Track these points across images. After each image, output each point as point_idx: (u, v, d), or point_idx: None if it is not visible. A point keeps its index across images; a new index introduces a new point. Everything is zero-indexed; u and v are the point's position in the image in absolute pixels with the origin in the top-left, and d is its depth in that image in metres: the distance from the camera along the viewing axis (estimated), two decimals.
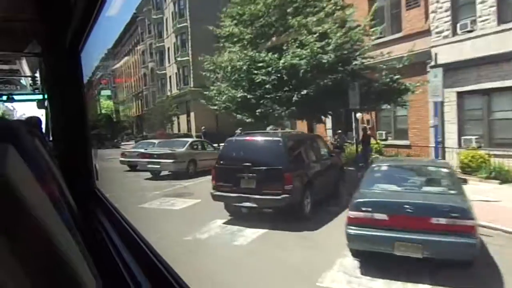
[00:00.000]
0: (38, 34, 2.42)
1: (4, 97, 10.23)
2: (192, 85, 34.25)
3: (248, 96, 11.58)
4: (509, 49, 11.21)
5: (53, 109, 2.23)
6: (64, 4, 1.75)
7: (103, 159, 20.86)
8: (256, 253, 6.14)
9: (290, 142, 7.93)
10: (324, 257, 5.88)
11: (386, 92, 11.97)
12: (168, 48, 40.04)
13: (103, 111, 48.44)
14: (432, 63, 12.82)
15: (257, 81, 11.20)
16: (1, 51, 4.42)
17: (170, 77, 40.12)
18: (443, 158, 13.71)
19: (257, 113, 11.66)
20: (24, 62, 6.96)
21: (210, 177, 13.74)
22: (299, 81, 10.89)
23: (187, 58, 35.15)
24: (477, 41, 12.39)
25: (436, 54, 12.79)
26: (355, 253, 5.56)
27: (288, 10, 11.58)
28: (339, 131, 15.88)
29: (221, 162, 8.03)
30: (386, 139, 16.29)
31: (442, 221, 4.73)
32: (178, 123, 36.97)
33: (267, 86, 11.15)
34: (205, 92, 14.60)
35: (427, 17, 14.51)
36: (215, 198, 7.90)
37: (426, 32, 14.29)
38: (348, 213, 5.32)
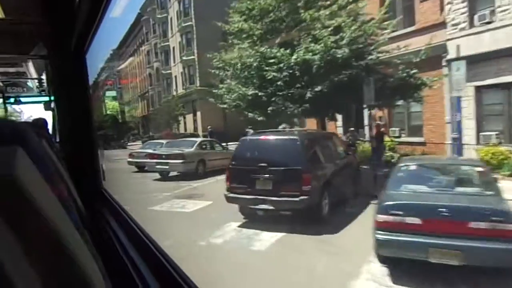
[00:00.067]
0: (44, 37, 2.41)
1: (12, 99, 10.42)
2: (198, 84, 33.97)
3: (259, 94, 11.19)
4: None
5: (60, 110, 2.24)
6: (68, 6, 1.77)
7: (110, 160, 20.65)
8: (276, 259, 5.78)
9: (308, 141, 7.55)
10: (349, 264, 5.50)
11: (402, 87, 11.51)
12: (173, 48, 39.79)
13: (108, 112, 48.49)
14: (454, 56, 12.32)
15: (268, 78, 10.81)
16: (8, 54, 4.46)
17: (175, 76, 39.89)
18: (461, 155, 13.28)
19: (269, 111, 11.27)
20: (30, 65, 6.89)
21: (220, 177, 13.74)
22: (312, 77, 10.48)
23: (193, 57, 34.88)
24: (496, 32, 11.88)
25: (458, 46, 12.28)
26: (382, 259, 5.18)
27: (299, 4, 11.16)
28: (351, 128, 15.46)
29: (235, 162, 7.68)
30: (399, 136, 15.84)
31: (482, 225, 4.33)
32: (185, 123, 36.73)
33: (278, 83, 10.75)
34: (214, 91, 14.25)
35: (442, 9, 14.01)
36: (229, 200, 7.56)
37: (442, 25, 13.80)
38: (376, 216, 4.92)
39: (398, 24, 12.14)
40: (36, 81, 9.56)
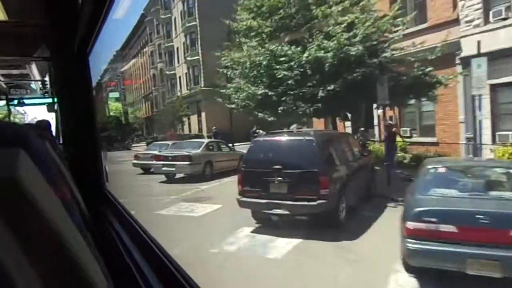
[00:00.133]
0: (47, 39, 2.44)
1: (15, 101, 10.35)
2: (202, 85, 33.71)
3: (269, 93, 10.82)
4: None
5: (63, 112, 2.24)
6: (71, 8, 1.79)
7: (114, 162, 20.36)
8: (295, 269, 5.41)
9: (324, 142, 7.17)
10: (375, 273, 5.12)
11: (417, 86, 11.12)
12: (177, 48, 39.53)
13: (112, 113, 48.36)
14: (473, 53, 11.91)
15: (279, 76, 10.44)
16: (11, 56, 4.47)
17: (180, 77, 39.64)
18: (476, 154, 12.90)
19: (279, 111, 10.90)
20: (33, 67, 6.81)
21: (227, 179, 13.43)
22: (324, 76, 10.11)
23: (197, 57, 34.62)
24: None
25: (479, 42, 11.88)
26: (410, 269, 4.81)
27: (310, 1, 10.80)
28: (362, 128, 15.08)
29: (248, 165, 7.31)
30: (410, 136, 15.45)
31: None
32: (189, 124, 36.47)
33: (289, 81, 10.38)
34: (222, 90, 13.91)
35: (455, 6, 13.62)
36: (242, 204, 7.20)
37: (455, 22, 13.40)
38: (405, 223, 4.55)
39: (411, 20, 11.73)
40: (40, 83, 9.54)
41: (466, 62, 12.81)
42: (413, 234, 4.43)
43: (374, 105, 14.40)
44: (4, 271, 0.32)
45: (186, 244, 6.30)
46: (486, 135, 12.85)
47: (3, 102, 10.52)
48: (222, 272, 5.29)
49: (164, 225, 7.80)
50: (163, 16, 41.45)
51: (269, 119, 11.97)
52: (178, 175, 14.01)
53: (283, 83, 10.58)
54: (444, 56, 11.89)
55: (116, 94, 55.91)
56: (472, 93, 11.31)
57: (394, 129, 13.78)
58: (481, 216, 4.14)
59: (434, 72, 11.49)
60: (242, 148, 18.33)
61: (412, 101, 13.32)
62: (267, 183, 6.83)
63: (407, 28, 12.67)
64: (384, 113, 12.73)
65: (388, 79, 10.64)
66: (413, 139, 15.26)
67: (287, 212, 6.68)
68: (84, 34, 1.76)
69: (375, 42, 10.42)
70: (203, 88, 32.92)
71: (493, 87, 12.58)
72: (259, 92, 11.05)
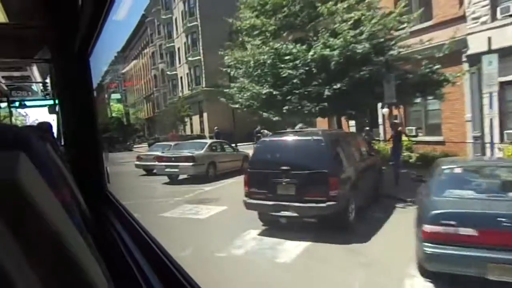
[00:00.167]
0: (48, 40, 2.42)
1: (17, 103, 10.40)
2: (204, 85, 33.56)
3: (274, 92, 10.63)
4: None
5: (64, 113, 2.25)
6: (71, 9, 1.79)
7: (116, 163, 20.22)
8: (306, 273, 5.23)
9: (333, 142, 6.97)
10: (388, 278, 4.94)
11: (424, 84, 10.91)
12: (179, 48, 39.40)
13: (113, 115, 48.32)
14: (481, 50, 11.69)
15: (283, 75, 10.25)
16: (12, 58, 4.48)
17: (181, 77, 39.50)
18: (483, 154, 12.70)
19: (284, 111, 10.71)
20: (34, 68, 6.79)
21: (231, 180, 13.27)
22: (330, 74, 9.91)
23: (199, 57, 34.47)
24: None
25: (490, 39, 11.68)
26: (426, 274, 4.62)
27: None
28: (367, 128, 14.88)
29: (254, 166, 7.13)
30: (416, 135, 15.25)
31: None
32: (191, 124, 36.32)
33: (294, 80, 10.18)
34: (225, 90, 13.72)
35: (461, 2, 13.41)
36: (248, 206, 7.01)
37: (461, 19, 13.20)
38: (423, 227, 4.35)
39: (418, 17, 11.51)
40: (41, 84, 9.51)
41: (473, 59, 12.62)
42: (430, 237, 4.24)
43: (379, 104, 14.23)
44: (4, 274, 0.32)
45: (192, 248, 6.13)
46: (494, 133, 12.67)
47: (5, 104, 10.48)
48: (232, 277, 5.11)
49: (169, 228, 7.63)
50: (164, 17, 41.32)
51: (274, 119, 11.77)
52: (181, 176, 13.85)
53: (288, 82, 10.39)
54: (450, 53, 11.69)
55: (118, 95, 55.92)
56: (483, 91, 11.09)
57: (400, 128, 13.61)
58: (504, 219, 3.95)
59: (441, 70, 11.29)
60: (244, 148, 18.19)
61: (418, 100, 13.10)
62: (275, 185, 6.65)
63: (413, 26, 12.49)
64: (391, 111, 12.55)
65: (395, 77, 10.44)
66: (419, 138, 15.06)
67: (295, 214, 6.49)
68: (84, 36, 1.76)
69: (381, 40, 10.22)
70: (205, 89, 32.78)
71: (501, 85, 12.35)
72: (264, 91, 10.85)
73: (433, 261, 4.29)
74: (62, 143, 2.29)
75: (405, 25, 10.98)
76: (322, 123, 16.61)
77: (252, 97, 11.55)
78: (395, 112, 15.45)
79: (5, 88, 8.67)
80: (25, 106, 10.69)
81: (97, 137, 2.23)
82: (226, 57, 12.31)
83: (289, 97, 10.44)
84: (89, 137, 2.14)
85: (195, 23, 34.61)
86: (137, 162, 16.13)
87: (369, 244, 6.17)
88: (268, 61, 10.63)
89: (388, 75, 10.27)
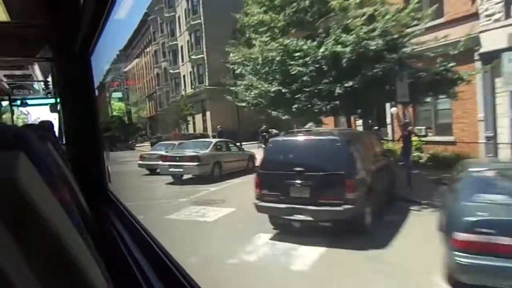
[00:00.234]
0: (49, 39, 2.44)
1: (18, 102, 10.32)
2: (207, 84, 33.24)
3: (283, 90, 10.29)
4: None
5: (65, 112, 2.26)
6: (73, 8, 1.80)
7: (118, 162, 19.93)
8: (324, 282, 4.91)
9: (349, 142, 6.63)
10: None
11: (437, 82, 10.56)
12: (182, 47, 39.08)
13: (115, 113, 48.06)
14: (501, 47, 11.34)
15: (293, 73, 9.91)
16: (14, 57, 4.49)
17: (184, 76, 39.18)
18: (496, 154, 12.38)
19: (293, 109, 10.37)
20: (36, 67, 6.69)
21: (237, 180, 12.95)
22: (341, 72, 9.57)
23: (202, 55, 34.15)
24: None
25: (510, 35, 11.36)
26: (457, 285, 4.29)
27: None
28: (375, 127, 14.54)
29: (266, 167, 6.79)
30: (425, 135, 14.89)
31: None
32: (194, 123, 36.01)
33: (304, 78, 9.84)
34: (231, 88, 13.38)
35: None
36: (260, 209, 6.69)
37: (473, 16, 12.85)
38: (454, 235, 4.03)
39: (432, 14, 11.15)
40: (42, 83, 9.36)
41: (486, 58, 12.29)
42: (464, 247, 3.91)
43: (388, 104, 13.89)
44: (4, 276, 0.32)
45: (201, 253, 5.80)
46: (505, 134, 12.36)
47: (6, 103, 10.34)
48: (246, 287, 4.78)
49: (176, 231, 7.31)
50: (167, 15, 41.02)
51: (283, 117, 11.44)
52: (185, 176, 13.52)
53: (297, 79, 10.05)
54: (462, 51, 11.36)
55: (119, 94, 55.65)
56: (497, 89, 10.74)
57: (409, 127, 13.27)
58: None
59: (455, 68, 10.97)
60: (249, 148, 17.87)
61: (428, 99, 12.76)
62: (287, 187, 6.32)
63: (427, 22, 12.15)
64: (403, 111, 12.21)
65: (408, 75, 10.10)
66: (428, 138, 14.71)
67: (310, 218, 6.16)
68: (86, 34, 1.75)
69: (395, 36, 9.86)
70: (208, 87, 32.45)
71: None
72: (272, 89, 10.50)
73: (467, 273, 3.95)
74: (64, 142, 2.26)
75: (419, 21, 10.63)
76: (328, 122, 16.27)
77: (260, 95, 11.21)
78: (403, 111, 15.13)
79: (7, 86, 8.55)
80: (26, 105, 10.61)
81: (98, 136, 2.26)
82: (232, 54, 11.98)
83: (298, 95, 10.11)
84: (90, 136, 2.14)
85: (199, 21, 34.29)
86: (140, 162, 15.83)
87: (387, 250, 5.84)
88: (277, 58, 10.30)
89: (401, 73, 9.93)
